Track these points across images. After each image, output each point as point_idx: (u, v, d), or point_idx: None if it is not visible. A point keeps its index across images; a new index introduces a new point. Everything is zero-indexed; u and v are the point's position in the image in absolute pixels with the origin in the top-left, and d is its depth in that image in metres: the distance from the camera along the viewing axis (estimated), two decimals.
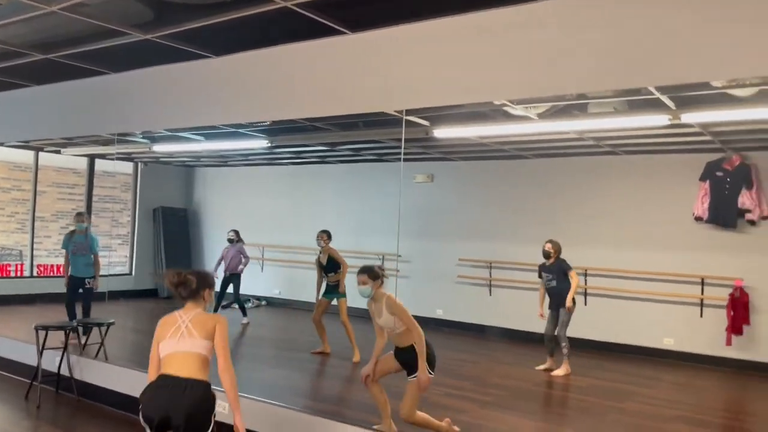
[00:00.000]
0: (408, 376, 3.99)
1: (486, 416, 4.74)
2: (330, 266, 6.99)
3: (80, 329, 5.82)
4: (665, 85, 4.05)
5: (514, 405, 5.34)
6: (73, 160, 10.50)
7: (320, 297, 6.97)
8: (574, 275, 6.42)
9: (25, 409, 5.01)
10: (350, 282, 5.74)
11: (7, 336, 6.24)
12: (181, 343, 2.97)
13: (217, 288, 9.02)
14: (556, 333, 6.39)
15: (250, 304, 10.46)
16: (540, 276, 6.68)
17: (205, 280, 3.15)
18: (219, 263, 9.18)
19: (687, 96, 4.77)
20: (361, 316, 7.06)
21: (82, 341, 5.70)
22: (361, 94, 4.17)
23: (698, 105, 4.93)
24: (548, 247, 6.58)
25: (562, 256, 6.55)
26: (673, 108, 4.91)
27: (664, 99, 4.71)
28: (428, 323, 8.20)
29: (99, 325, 5.59)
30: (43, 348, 5.15)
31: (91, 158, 10.58)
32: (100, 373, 5.20)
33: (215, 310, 8.91)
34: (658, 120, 5.10)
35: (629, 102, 5.33)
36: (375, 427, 4.05)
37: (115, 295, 7.83)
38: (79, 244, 7.01)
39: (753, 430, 5.05)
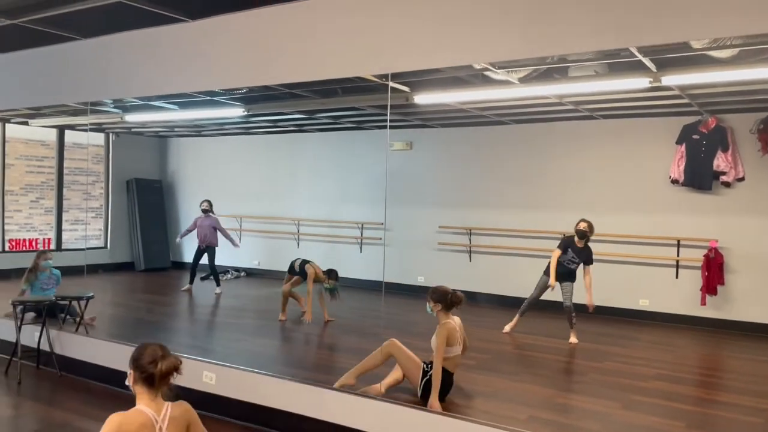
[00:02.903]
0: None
1: (471, 379, 4.80)
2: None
3: (64, 313, 5.73)
4: (647, 45, 4.05)
5: (498, 367, 5.42)
6: (41, 131, 10.21)
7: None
8: (590, 273, 6.29)
9: (6, 385, 4.93)
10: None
11: None
12: None
13: (190, 258, 9.07)
14: (566, 305, 6.32)
15: (229, 276, 10.41)
16: (562, 249, 6.38)
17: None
18: (187, 232, 9.11)
19: (667, 58, 4.79)
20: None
21: (63, 320, 5.61)
22: (342, 58, 4.08)
23: (678, 67, 4.95)
24: (584, 226, 6.30)
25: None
26: (654, 70, 4.92)
27: (646, 61, 4.71)
28: (410, 290, 8.32)
29: (78, 299, 5.49)
30: (21, 323, 5.05)
31: (61, 129, 10.29)
32: (80, 347, 5.13)
33: (191, 282, 8.86)
34: (639, 83, 5.10)
35: (609, 65, 5.33)
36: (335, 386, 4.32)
37: (92, 269, 7.73)
38: (45, 282, 6.45)
39: (730, 386, 5.21)
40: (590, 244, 6.48)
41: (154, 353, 2.43)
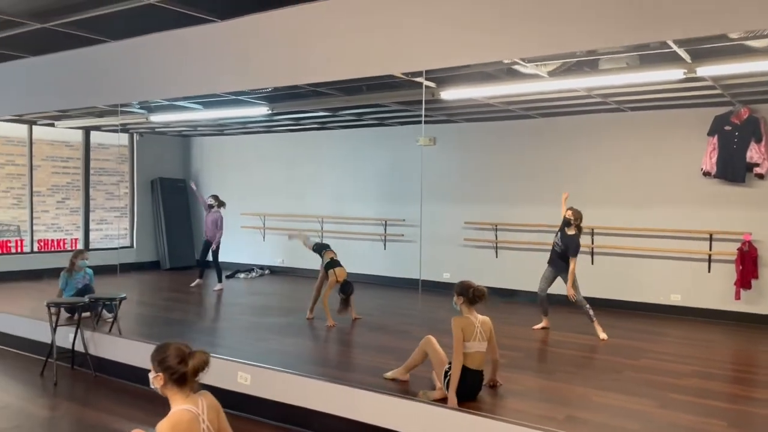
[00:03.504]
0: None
1: (504, 378, 4.74)
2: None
3: (100, 308, 5.80)
4: (682, 38, 3.96)
5: (530, 365, 5.37)
6: (65, 132, 10.33)
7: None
8: (574, 263, 6.22)
9: (42, 386, 4.99)
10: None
11: (18, 314, 6.20)
12: None
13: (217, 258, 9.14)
14: (575, 300, 6.27)
15: (253, 274, 10.45)
16: (559, 227, 6.47)
17: None
18: (202, 198, 9.41)
19: (701, 49, 4.68)
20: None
21: (98, 317, 5.68)
22: (375, 56, 4.03)
23: (713, 57, 4.83)
24: (568, 214, 6.34)
25: (581, 235, 6.39)
26: (689, 61, 4.82)
27: (681, 52, 4.61)
28: (436, 287, 8.27)
29: (111, 300, 5.54)
30: (56, 325, 5.10)
31: (86, 130, 10.39)
32: (115, 347, 5.16)
33: (219, 280, 8.91)
34: (672, 74, 4.99)
35: (641, 56, 5.22)
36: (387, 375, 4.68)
37: (123, 268, 7.80)
38: (80, 281, 6.68)
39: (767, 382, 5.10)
40: (615, 237, 6.41)
41: (180, 352, 2.40)
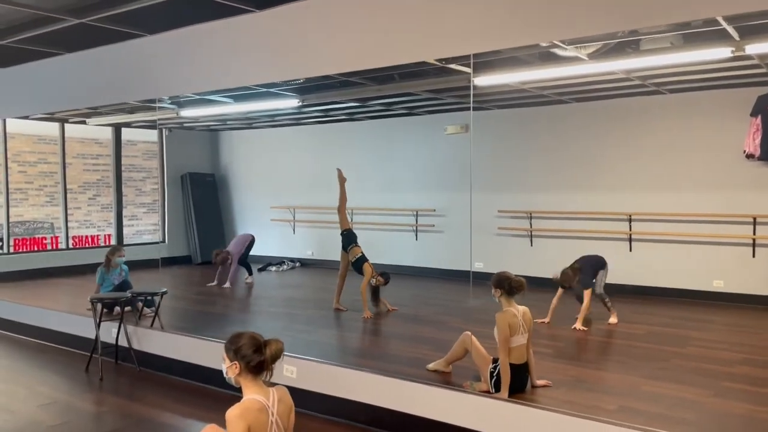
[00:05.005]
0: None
1: (550, 368, 4.66)
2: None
3: (140, 303, 5.83)
4: (732, 14, 3.81)
5: (574, 355, 5.27)
6: (95, 130, 10.41)
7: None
8: (588, 294, 5.99)
9: (87, 382, 5.03)
10: None
11: (61, 310, 6.27)
12: None
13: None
14: (596, 293, 6.16)
15: (284, 266, 10.46)
16: (560, 287, 6.20)
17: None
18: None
19: (748, 26, 4.50)
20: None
21: (143, 312, 5.72)
22: (421, 41, 3.95)
23: (761, 34, 4.65)
24: (562, 279, 6.06)
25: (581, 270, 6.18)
26: (737, 39, 4.64)
27: (730, 29, 4.44)
28: (469, 277, 8.18)
29: (153, 295, 5.55)
30: (100, 320, 5.13)
31: (117, 127, 10.45)
32: (158, 342, 5.18)
33: (249, 273, 8.93)
34: (720, 53, 4.82)
35: (684, 36, 5.05)
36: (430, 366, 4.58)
37: (154, 264, 7.87)
38: (117, 278, 6.68)
39: None
40: (654, 223, 6.35)
41: (255, 341, 2.44)
